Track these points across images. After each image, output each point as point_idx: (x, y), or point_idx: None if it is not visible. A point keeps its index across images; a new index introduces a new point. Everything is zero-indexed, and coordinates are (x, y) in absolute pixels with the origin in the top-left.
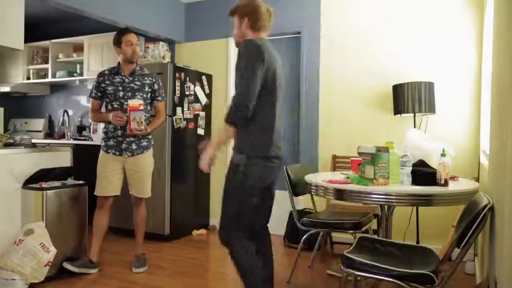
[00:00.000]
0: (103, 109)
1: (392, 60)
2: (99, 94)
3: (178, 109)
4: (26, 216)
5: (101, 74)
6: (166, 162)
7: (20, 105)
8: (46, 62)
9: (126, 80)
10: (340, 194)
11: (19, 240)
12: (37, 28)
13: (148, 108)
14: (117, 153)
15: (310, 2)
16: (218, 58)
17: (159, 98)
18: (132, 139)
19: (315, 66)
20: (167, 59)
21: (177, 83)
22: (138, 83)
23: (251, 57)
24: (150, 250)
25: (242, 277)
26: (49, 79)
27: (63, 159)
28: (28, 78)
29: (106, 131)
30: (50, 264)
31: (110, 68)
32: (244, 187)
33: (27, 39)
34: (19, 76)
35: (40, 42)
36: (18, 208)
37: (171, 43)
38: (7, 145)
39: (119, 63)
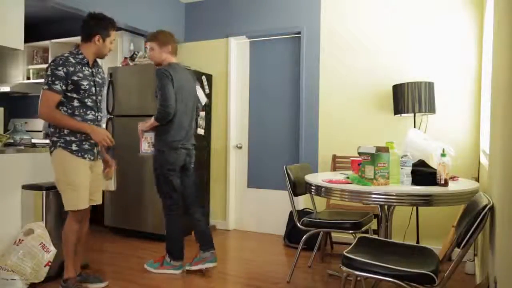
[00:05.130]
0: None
1: (392, 60)
2: (64, 87)
3: None
4: (26, 216)
5: (67, 62)
6: None
7: (20, 105)
8: (46, 62)
9: (94, 72)
10: (340, 194)
11: (19, 240)
12: (37, 28)
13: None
14: (92, 157)
15: (310, 2)
16: (218, 58)
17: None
18: None
19: (315, 66)
20: None
21: None
22: (99, 76)
23: (164, 78)
24: (150, 250)
25: (168, 237)
26: None
27: None
28: (28, 78)
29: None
30: (50, 264)
31: (73, 56)
32: (164, 168)
33: (27, 39)
34: (19, 76)
35: (40, 42)
36: (18, 208)
37: None
38: (7, 145)
39: (78, 45)
